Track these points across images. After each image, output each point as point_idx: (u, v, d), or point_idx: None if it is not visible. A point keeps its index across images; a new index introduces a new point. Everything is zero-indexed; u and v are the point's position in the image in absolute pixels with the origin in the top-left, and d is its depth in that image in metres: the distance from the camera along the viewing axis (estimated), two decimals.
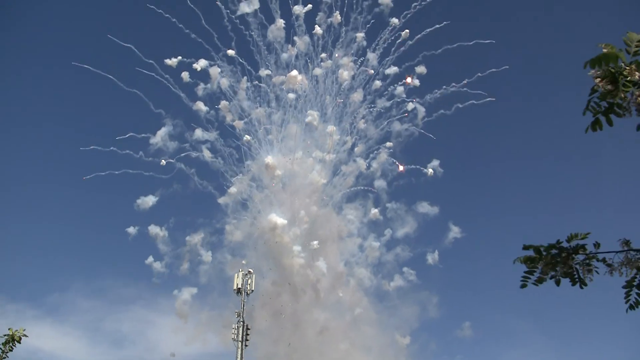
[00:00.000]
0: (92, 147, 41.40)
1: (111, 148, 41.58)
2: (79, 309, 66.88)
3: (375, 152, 42.64)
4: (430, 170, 41.69)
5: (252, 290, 40.57)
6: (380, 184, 42.84)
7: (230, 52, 41.97)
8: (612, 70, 6.22)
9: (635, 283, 5.67)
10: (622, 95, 6.18)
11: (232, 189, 41.98)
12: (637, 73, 6.19)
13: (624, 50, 6.28)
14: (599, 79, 6.27)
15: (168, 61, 41.64)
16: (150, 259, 42.57)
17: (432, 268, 44.52)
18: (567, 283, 5.89)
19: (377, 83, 42.76)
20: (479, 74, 42.05)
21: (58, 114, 71.29)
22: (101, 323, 70.61)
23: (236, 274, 40.81)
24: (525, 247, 6.06)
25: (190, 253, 42.39)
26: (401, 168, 41.82)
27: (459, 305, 67.25)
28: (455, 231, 44.56)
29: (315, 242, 39.30)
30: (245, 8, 41.65)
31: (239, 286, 40.50)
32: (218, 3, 41.96)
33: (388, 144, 42.66)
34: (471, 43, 41.72)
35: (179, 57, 42.01)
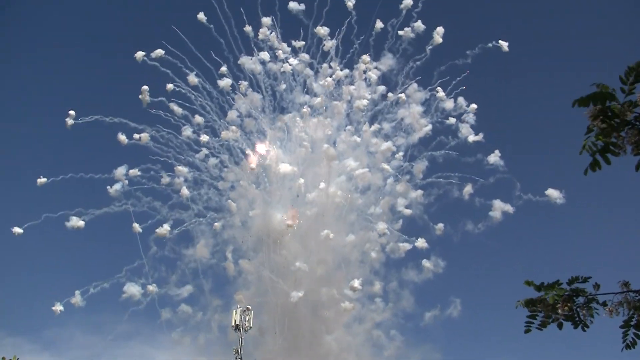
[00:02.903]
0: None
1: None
2: (76, 344, 65.79)
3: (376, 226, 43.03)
4: (428, 265, 41.85)
5: (250, 327, 39.94)
6: (379, 257, 43.17)
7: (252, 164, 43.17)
8: (605, 109, 6.23)
9: (632, 323, 5.57)
10: (617, 134, 6.18)
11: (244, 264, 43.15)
12: (629, 112, 6.21)
13: (618, 89, 6.32)
14: (593, 118, 6.27)
15: (201, 136, 42.98)
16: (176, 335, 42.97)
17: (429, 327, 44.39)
18: (568, 326, 5.78)
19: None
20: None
21: None
22: (99, 358, 69.47)
23: (234, 311, 40.17)
24: (527, 283, 5.98)
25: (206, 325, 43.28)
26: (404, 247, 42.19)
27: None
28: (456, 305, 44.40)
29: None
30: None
31: (237, 322, 39.89)
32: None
33: (397, 226, 43.04)
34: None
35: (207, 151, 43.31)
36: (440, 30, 43.56)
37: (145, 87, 41.84)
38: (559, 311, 5.61)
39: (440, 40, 43.35)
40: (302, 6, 43.42)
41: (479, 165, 42.28)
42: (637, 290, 5.45)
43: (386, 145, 42.45)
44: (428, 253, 41.54)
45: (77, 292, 40.09)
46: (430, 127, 43.02)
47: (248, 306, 40.08)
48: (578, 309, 5.65)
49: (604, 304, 5.55)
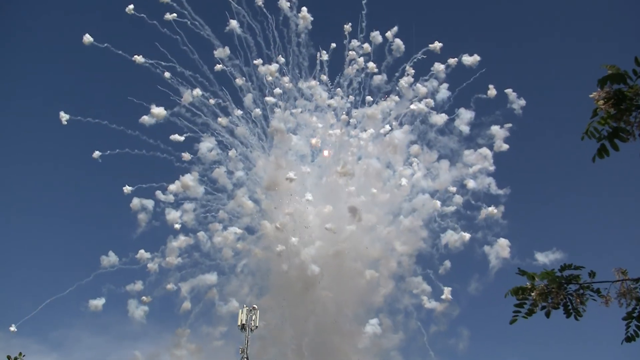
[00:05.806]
0: None
1: None
2: (83, 345, 66.52)
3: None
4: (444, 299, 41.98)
5: (257, 327, 39.83)
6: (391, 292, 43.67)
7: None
8: (615, 92, 5.89)
9: (635, 315, 5.19)
10: (625, 119, 5.83)
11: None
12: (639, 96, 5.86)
13: (629, 71, 5.97)
14: (603, 102, 5.93)
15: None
16: None
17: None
18: (560, 316, 5.42)
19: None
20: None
21: None
22: (106, 359, 70.31)
23: (240, 310, 40.17)
24: (520, 272, 5.66)
25: None
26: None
27: None
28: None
29: None
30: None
31: (243, 322, 39.80)
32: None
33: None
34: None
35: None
36: (466, 116, 43.05)
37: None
38: (550, 299, 5.26)
39: (467, 130, 43.12)
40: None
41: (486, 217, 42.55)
42: (635, 279, 5.06)
43: (430, 203, 42.68)
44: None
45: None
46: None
47: (254, 305, 40.04)
48: (571, 297, 5.28)
49: (597, 291, 5.17)
